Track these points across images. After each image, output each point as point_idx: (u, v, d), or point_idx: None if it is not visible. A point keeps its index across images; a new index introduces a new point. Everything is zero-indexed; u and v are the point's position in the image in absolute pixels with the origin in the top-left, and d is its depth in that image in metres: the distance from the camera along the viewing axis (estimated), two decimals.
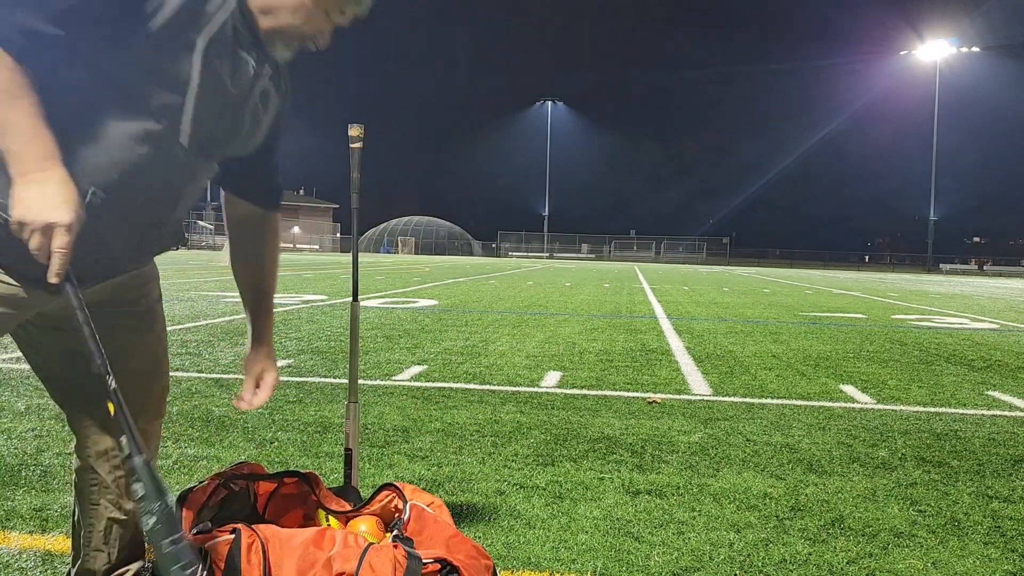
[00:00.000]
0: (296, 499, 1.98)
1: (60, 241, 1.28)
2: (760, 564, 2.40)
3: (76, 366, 1.67)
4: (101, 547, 1.78)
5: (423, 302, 11.99)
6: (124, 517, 1.78)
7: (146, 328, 1.77)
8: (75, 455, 1.79)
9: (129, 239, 1.52)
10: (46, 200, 1.27)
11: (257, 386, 1.83)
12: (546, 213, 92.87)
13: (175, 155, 1.47)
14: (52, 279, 1.32)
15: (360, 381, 5.04)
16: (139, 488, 1.38)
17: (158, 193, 1.50)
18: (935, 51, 74.94)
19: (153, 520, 1.37)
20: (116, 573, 1.80)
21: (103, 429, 1.74)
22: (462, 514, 2.69)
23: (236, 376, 5.11)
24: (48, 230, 1.27)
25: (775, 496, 3.04)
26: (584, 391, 5.09)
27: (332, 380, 5.12)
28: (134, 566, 1.83)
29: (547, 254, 79.01)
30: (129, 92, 1.39)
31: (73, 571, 1.83)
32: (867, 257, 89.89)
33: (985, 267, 76.13)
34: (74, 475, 1.80)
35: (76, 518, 1.83)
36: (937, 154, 74.28)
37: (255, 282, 1.84)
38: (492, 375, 5.55)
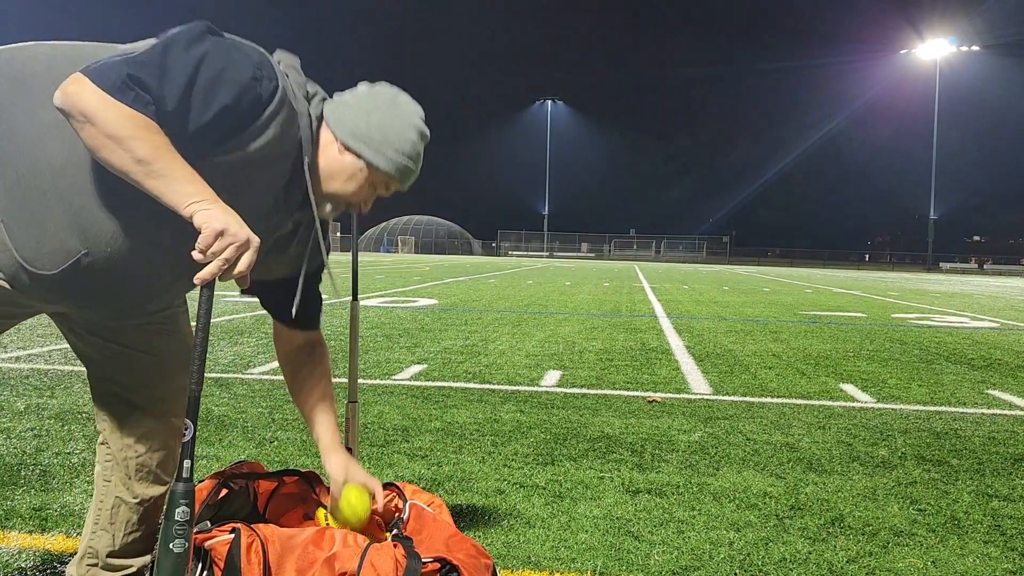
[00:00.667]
0: (296, 498, 1.98)
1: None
2: (760, 563, 2.40)
3: (128, 357, 1.78)
4: (107, 527, 1.80)
5: (423, 301, 11.99)
6: (133, 501, 1.80)
7: (175, 317, 1.86)
8: (96, 429, 1.86)
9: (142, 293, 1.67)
10: (240, 222, 1.45)
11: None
12: (546, 212, 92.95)
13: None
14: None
15: (360, 380, 5.04)
16: (185, 512, 1.43)
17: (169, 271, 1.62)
18: (935, 50, 75.02)
19: (186, 547, 1.43)
20: (118, 562, 1.81)
21: (120, 406, 1.80)
22: (462, 513, 2.69)
23: (235, 376, 5.11)
24: (246, 245, 1.44)
25: (775, 495, 3.04)
26: (584, 390, 5.09)
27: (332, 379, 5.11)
28: (137, 561, 1.83)
29: (547, 253, 79.02)
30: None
31: (79, 549, 1.85)
32: (867, 256, 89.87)
33: (985, 266, 76.14)
34: (96, 451, 1.87)
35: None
36: (937, 153, 74.36)
37: (320, 407, 1.97)
38: (492, 374, 5.55)
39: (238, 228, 1.43)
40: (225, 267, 1.43)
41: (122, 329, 1.76)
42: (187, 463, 1.45)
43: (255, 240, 1.45)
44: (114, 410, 1.81)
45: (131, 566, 1.83)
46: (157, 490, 1.83)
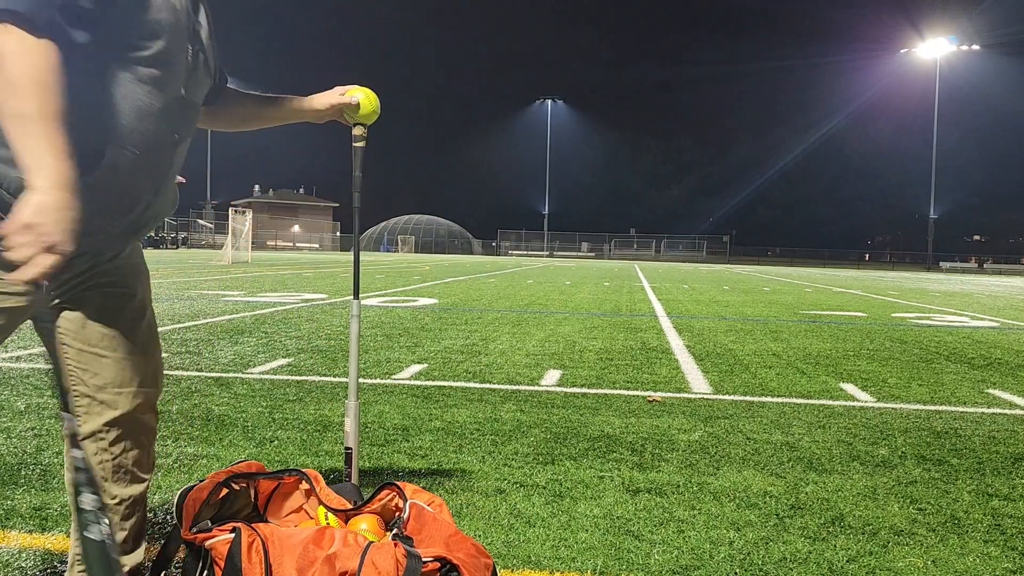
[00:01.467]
0: (296, 497, 1.99)
1: (52, 261, 1.36)
2: (760, 562, 2.40)
3: (101, 359, 1.76)
4: None
5: (423, 301, 11.99)
6: (112, 502, 1.80)
7: (139, 316, 1.84)
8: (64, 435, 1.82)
9: (134, 205, 1.67)
10: (60, 221, 1.35)
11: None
12: (546, 211, 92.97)
13: (175, 103, 1.64)
14: (20, 281, 1.37)
15: (360, 380, 5.04)
16: (90, 499, 1.40)
17: (161, 151, 1.66)
18: (935, 49, 75.10)
19: (103, 532, 1.39)
20: None
21: (91, 412, 1.78)
22: (462, 513, 2.69)
23: (235, 375, 5.11)
24: (52, 248, 1.34)
25: (775, 494, 3.04)
26: (584, 389, 5.09)
27: (332, 379, 5.12)
28: (130, 559, 1.83)
29: (547, 252, 79.05)
30: (132, 47, 1.53)
31: (69, 557, 1.84)
32: (867, 255, 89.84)
33: (985, 265, 76.18)
34: (66, 459, 1.83)
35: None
36: (937, 152, 74.45)
37: (265, 99, 2.04)
38: (492, 374, 5.55)
39: (51, 229, 1.34)
40: (16, 259, 1.34)
41: (94, 326, 1.75)
42: (77, 452, 1.45)
43: (66, 246, 1.36)
44: (90, 416, 1.79)
45: (124, 565, 1.83)
46: (136, 489, 1.83)
